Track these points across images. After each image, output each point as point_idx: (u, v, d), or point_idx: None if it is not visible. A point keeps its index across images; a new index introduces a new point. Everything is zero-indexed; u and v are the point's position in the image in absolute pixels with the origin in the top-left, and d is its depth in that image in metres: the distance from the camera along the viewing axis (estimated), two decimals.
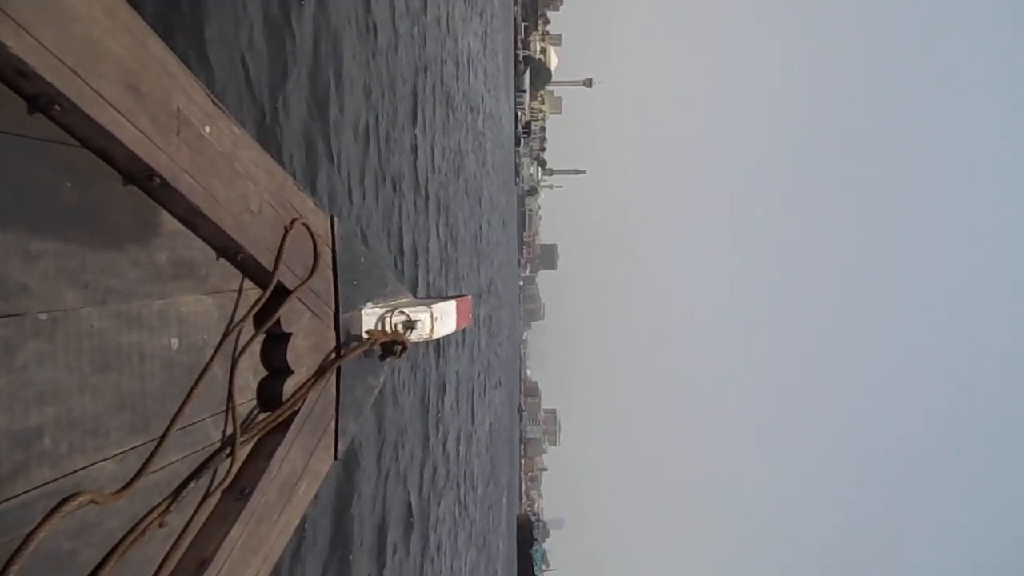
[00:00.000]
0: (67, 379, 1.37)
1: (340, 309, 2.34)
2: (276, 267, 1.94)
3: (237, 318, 1.88)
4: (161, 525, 1.59)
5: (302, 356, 2.14)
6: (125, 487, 1.46)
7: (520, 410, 70.73)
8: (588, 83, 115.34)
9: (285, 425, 2.03)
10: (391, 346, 2.45)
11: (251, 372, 2.01)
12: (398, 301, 2.75)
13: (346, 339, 2.38)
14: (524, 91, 74.87)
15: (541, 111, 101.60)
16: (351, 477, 6.18)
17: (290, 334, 2.07)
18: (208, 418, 1.78)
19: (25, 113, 1.31)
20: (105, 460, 1.45)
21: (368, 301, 2.57)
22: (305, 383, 2.12)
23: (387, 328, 2.53)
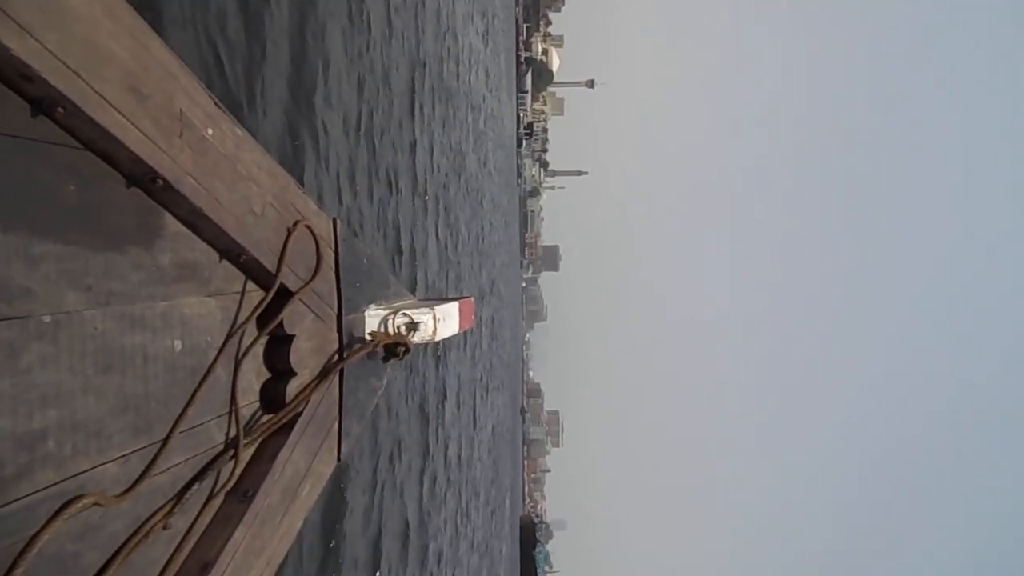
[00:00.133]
0: (70, 381, 1.37)
1: (343, 311, 2.34)
2: (279, 269, 1.94)
3: (240, 320, 1.88)
4: (165, 527, 1.59)
5: (305, 358, 2.14)
6: (129, 489, 1.46)
7: (523, 412, 70.68)
8: (590, 84, 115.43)
9: (288, 427, 2.03)
10: (394, 348, 2.44)
11: (254, 374, 2.01)
12: (401, 303, 2.75)
13: (349, 341, 2.38)
14: (526, 92, 74.85)
15: (543, 112, 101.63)
16: (345, 490, 5.95)
17: (293, 336, 2.07)
18: (211, 420, 1.78)
19: (28, 116, 1.31)
20: (109, 462, 1.45)
21: (371, 303, 2.57)
22: (308, 385, 2.12)
23: (390, 330, 2.53)
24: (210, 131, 1.66)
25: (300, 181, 5.26)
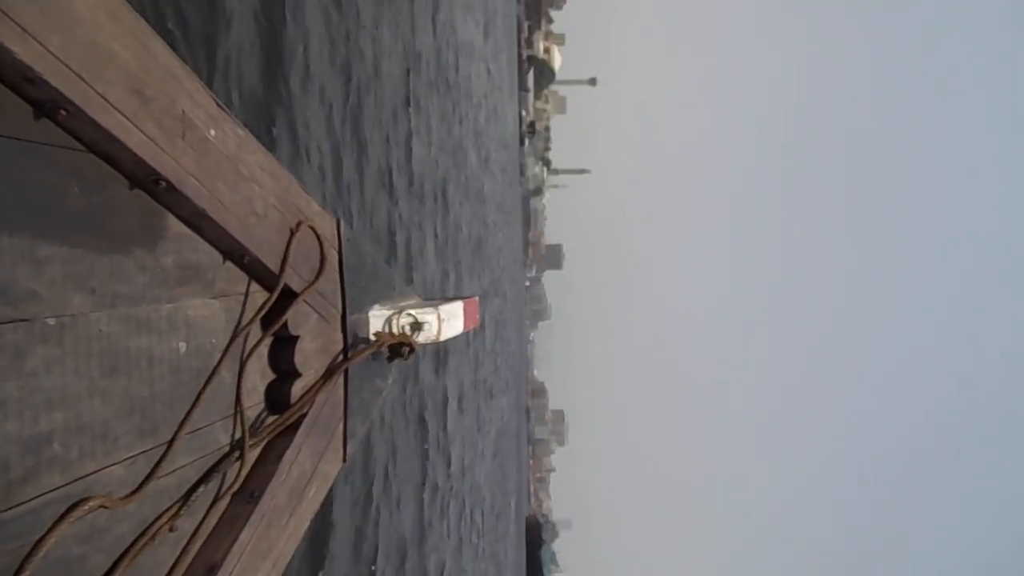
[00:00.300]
0: (76, 384, 1.37)
1: (347, 311, 2.34)
2: (282, 270, 1.94)
3: (244, 321, 1.88)
4: (171, 530, 1.59)
5: (310, 359, 2.14)
6: (135, 491, 1.46)
7: (528, 411, 70.66)
8: (592, 82, 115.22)
9: (294, 428, 2.03)
10: (399, 348, 2.44)
11: (259, 375, 2.01)
12: (405, 303, 2.75)
13: (353, 341, 2.38)
14: (528, 90, 74.79)
15: (545, 111, 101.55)
16: (333, 507, 5.63)
17: (297, 337, 2.07)
18: (217, 422, 1.78)
19: (31, 118, 1.31)
20: (114, 465, 1.45)
21: (375, 303, 2.57)
22: (313, 386, 2.12)
23: (394, 330, 2.53)
24: (212, 132, 1.66)
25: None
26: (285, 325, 2.00)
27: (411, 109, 9.67)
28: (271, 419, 2.01)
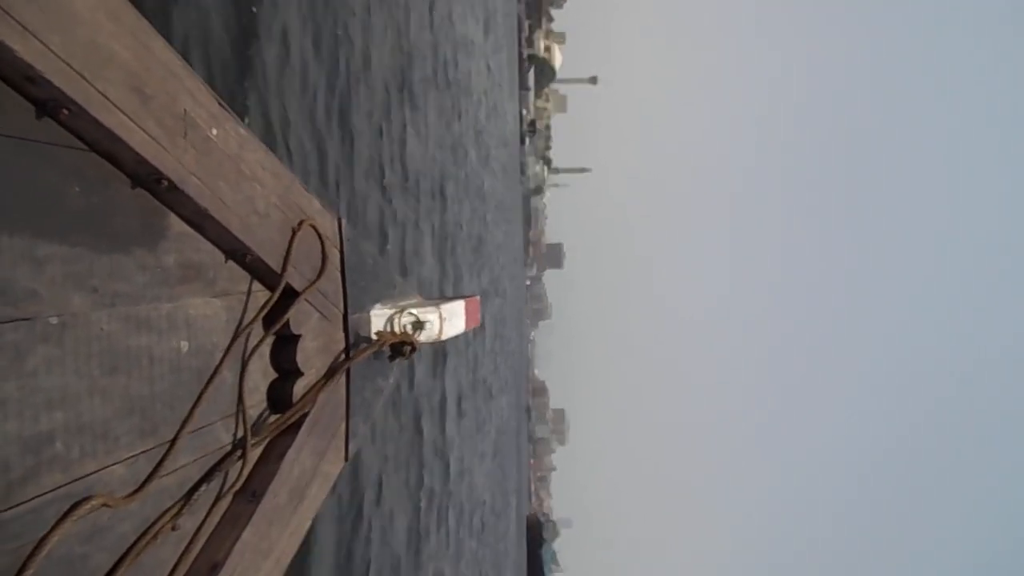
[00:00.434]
0: (77, 383, 1.37)
1: (349, 310, 2.34)
2: (284, 269, 1.94)
3: (246, 320, 1.88)
4: (173, 528, 1.59)
5: (311, 358, 2.14)
6: (137, 490, 1.46)
7: (528, 411, 70.62)
8: (593, 80, 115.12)
9: (295, 427, 2.03)
10: (400, 347, 2.44)
11: (261, 374, 2.01)
12: (406, 302, 2.75)
13: (355, 340, 2.38)
14: (529, 89, 74.75)
15: (546, 109, 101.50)
16: (336, 512, 5.41)
17: (299, 336, 2.07)
18: (218, 421, 1.78)
19: (33, 117, 1.30)
20: (116, 464, 1.45)
21: (376, 302, 2.57)
22: (315, 385, 2.12)
23: (396, 329, 2.53)
24: (214, 131, 1.66)
25: None
26: (287, 324, 2.00)
27: (406, 104, 9.31)
28: (273, 418, 2.01)
